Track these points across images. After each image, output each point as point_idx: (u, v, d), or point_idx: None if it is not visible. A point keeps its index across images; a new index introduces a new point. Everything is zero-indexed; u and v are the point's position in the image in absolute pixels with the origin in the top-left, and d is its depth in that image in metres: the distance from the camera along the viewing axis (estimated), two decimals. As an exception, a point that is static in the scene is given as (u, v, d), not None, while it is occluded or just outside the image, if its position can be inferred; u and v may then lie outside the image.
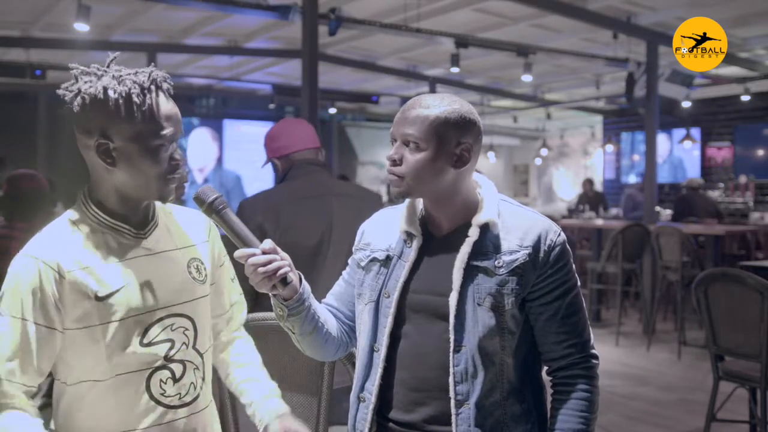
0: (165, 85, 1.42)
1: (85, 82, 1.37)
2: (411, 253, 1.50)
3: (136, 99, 1.36)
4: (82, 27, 6.09)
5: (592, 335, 1.53)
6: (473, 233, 1.45)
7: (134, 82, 1.37)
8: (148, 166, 1.38)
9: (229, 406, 1.87)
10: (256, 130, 13.01)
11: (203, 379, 1.51)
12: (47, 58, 8.77)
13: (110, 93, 1.35)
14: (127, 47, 8.00)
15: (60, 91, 1.39)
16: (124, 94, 1.36)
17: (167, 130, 1.39)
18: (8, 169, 3.44)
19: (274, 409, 1.56)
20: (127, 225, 1.45)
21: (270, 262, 1.39)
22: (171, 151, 1.41)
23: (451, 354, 1.43)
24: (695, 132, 11.34)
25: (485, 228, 1.46)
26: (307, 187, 2.43)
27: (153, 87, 1.39)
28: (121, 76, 1.38)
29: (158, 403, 1.43)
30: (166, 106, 1.41)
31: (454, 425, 1.42)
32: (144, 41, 8.31)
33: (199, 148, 12.26)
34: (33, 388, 1.37)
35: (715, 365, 3.41)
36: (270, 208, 2.34)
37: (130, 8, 7.19)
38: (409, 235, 1.52)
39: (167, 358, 1.44)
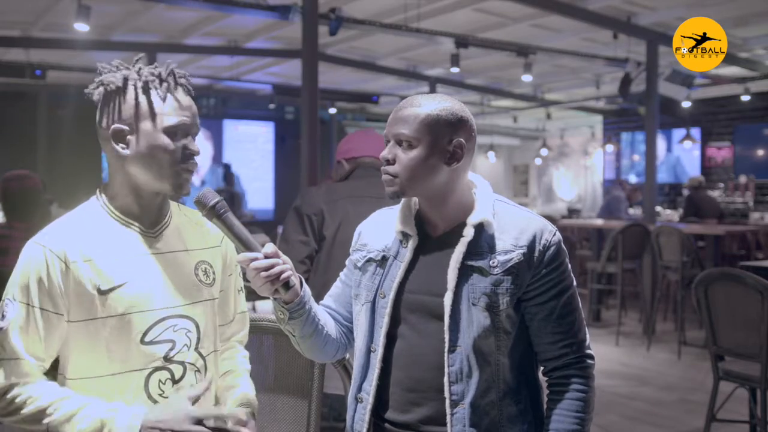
0: (183, 81, 1.47)
1: (107, 74, 1.44)
2: (407, 254, 1.50)
3: (152, 87, 1.42)
4: (82, 27, 6.08)
5: (588, 335, 1.53)
6: (468, 233, 1.45)
7: (152, 73, 1.44)
8: (160, 152, 1.42)
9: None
10: (256, 130, 13.02)
11: None
12: (47, 58, 8.77)
13: (129, 82, 1.42)
14: (127, 47, 8.00)
15: (87, 90, 1.46)
16: (142, 83, 1.42)
17: (182, 120, 1.43)
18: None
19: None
20: (137, 222, 1.47)
21: (272, 266, 1.38)
22: (186, 143, 1.45)
23: (446, 354, 1.43)
24: (695, 132, 11.34)
25: (480, 228, 1.46)
26: (368, 188, 2.50)
27: (171, 79, 1.45)
28: (140, 69, 1.45)
29: (156, 403, 1.43)
30: (183, 98, 1.46)
31: (448, 425, 1.42)
32: (144, 41, 8.32)
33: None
34: (45, 368, 1.41)
35: (715, 365, 3.41)
36: (331, 199, 2.46)
37: (130, 8, 7.19)
38: (405, 236, 1.52)
39: (167, 359, 1.44)
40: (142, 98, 1.42)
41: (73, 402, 1.36)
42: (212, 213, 1.41)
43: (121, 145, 1.42)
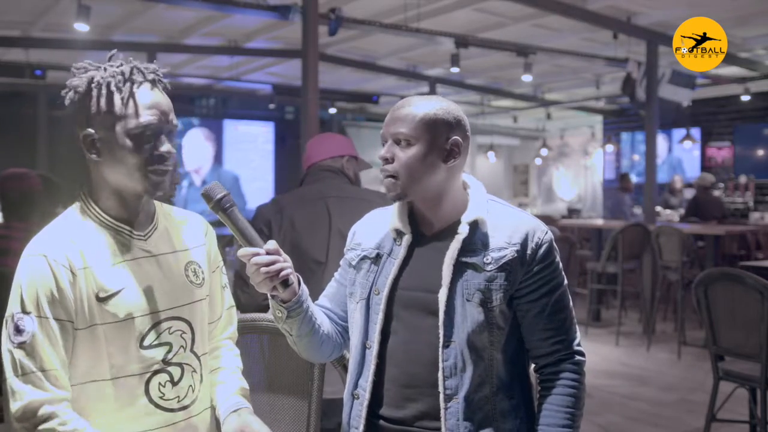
0: (152, 77, 1.42)
1: (76, 77, 1.40)
2: (401, 251, 1.52)
3: (113, 88, 1.38)
4: (82, 27, 6.08)
5: (578, 333, 1.56)
6: (463, 230, 1.48)
7: (117, 72, 1.39)
8: (126, 156, 1.38)
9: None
10: (256, 130, 13.02)
11: (201, 381, 1.51)
12: (47, 58, 8.77)
13: (93, 84, 1.38)
14: (127, 47, 7.98)
15: (63, 92, 1.42)
16: (104, 83, 1.38)
17: (147, 119, 1.38)
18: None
19: (232, 405, 1.54)
20: (127, 226, 1.46)
21: (273, 262, 1.39)
22: (155, 143, 1.40)
23: (440, 349, 1.44)
24: (695, 132, 11.34)
25: (474, 225, 1.49)
26: (309, 191, 2.57)
27: (137, 77, 1.40)
28: (106, 69, 1.40)
29: (157, 406, 1.43)
30: (149, 95, 1.40)
31: (442, 419, 1.44)
32: (144, 41, 8.32)
33: (192, 150, 12.11)
34: (67, 378, 1.38)
35: (715, 365, 3.41)
36: (277, 209, 2.52)
37: (130, 8, 7.19)
38: (399, 233, 1.54)
39: (165, 362, 1.44)
40: (104, 101, 1.38)
41: None
42: (218, 207, 1.41)
43: (92, 150, 1.40)
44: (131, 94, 1.38)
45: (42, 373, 1.33)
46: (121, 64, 1.41)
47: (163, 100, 1.43)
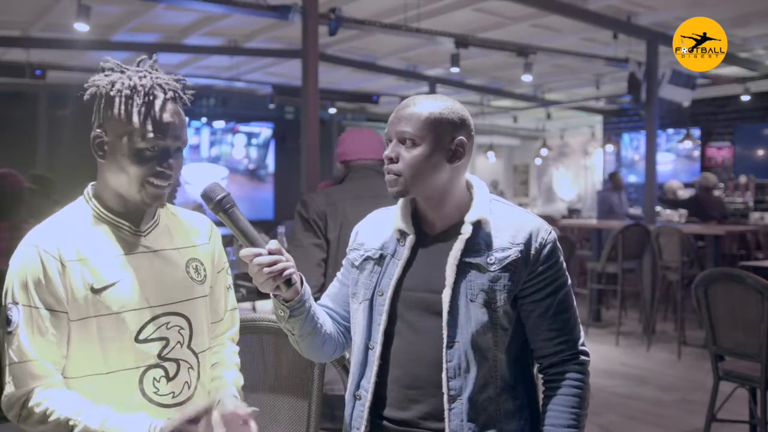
0: (171, 94, 1.42)
1: (100, 76, 1.43)
2: (404, 252, 1.52)
3: (133, 99, 1.40)
4: (82, 27, 6.08)
5: (582, 333, 1.55)
6: (466, 230, 1.48)
7: (138, 84, 1.40)
8: (128, 166, 1.40)
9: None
10: (256, 130, 13.02)
11: (198, 379, 1.51)
12: (47, 58, 8.77)
13: (113, 89, 1.40)
14: (127, 47, 8.00)
15: (86, 85, 1.44)
16: (124, 92, 1.40)
17: (155, 140, 1.39)
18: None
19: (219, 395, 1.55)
20: (126, 222, 1.47)
21: (275, 262, 1.39)
22: (160, 159, 1.41)
23: (444, 350, 1.44)
24: (695, 132, 11.34)
25: (477, 225, 1.48)
26: (363, 188, 2.58)
27: (158, 92, 1.41)
28: (131, 76, 1.42)
29: (151, 401, 1.43)
30: (164, 113, 1.41)
31: (446, 420, 1.43)
32: (144, 41, 8.32)
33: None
34: (61, 368, 1.39)
35: (715, 365, 3.41)
36: (331, 202, 2.53)
37: (130, 8, 7.19)
38: (403, 234, 1.54)
39: (161, 357, 1.44)
40: (120, 109, 1.39)
41: (93, 415, 1.35)
42: (218, 207, 1.42)
43: (99, 152, 1.43)
44: (148, 111, 1.39)
45: (22, 364, 1.36)
46: (144, 76, 1.42)
47: (178, 119, 1.43)
